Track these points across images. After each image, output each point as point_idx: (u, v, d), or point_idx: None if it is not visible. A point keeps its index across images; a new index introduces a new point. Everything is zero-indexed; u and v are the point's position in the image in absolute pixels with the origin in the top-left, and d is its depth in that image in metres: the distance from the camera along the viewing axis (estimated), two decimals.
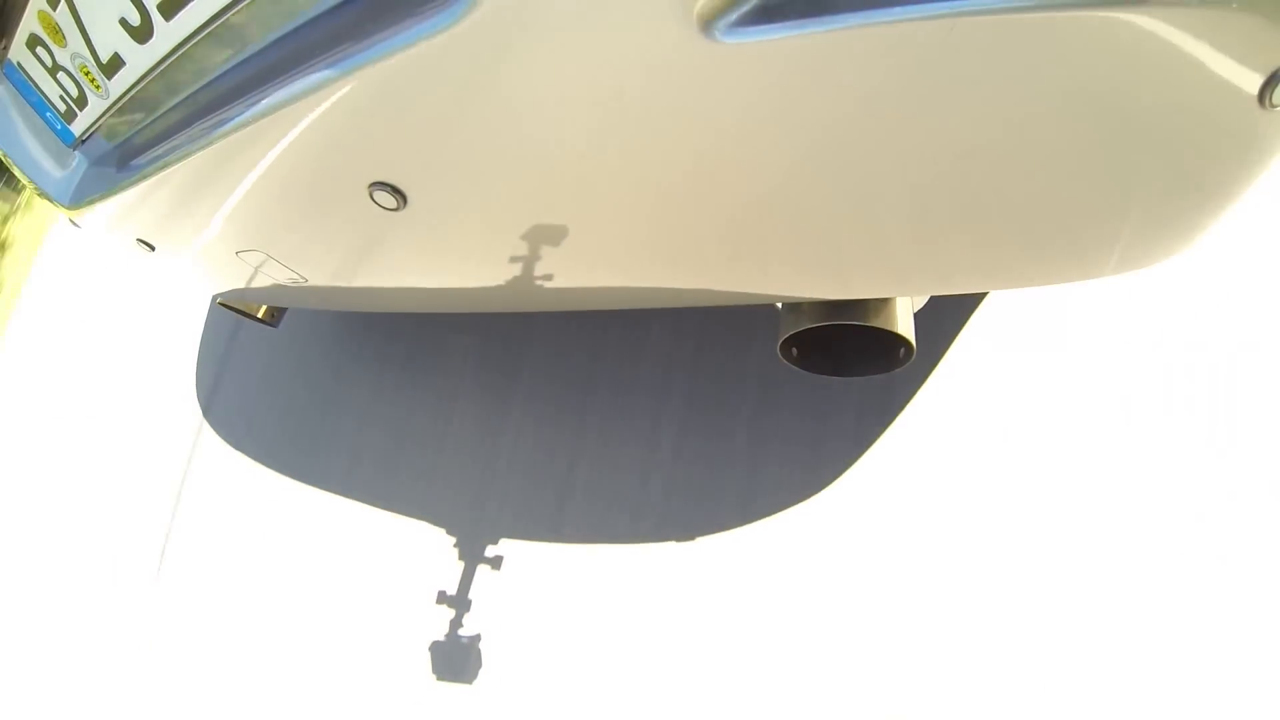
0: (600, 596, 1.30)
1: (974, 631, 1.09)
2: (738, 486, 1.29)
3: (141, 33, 0.66)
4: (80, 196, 0.91)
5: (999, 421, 1.18)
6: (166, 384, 1.93)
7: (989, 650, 1.07)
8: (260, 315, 1.42)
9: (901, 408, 1.24)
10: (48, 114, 0.86)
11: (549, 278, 0.76)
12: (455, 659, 1.34)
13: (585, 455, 1.42)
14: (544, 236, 0.68)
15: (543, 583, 1.35)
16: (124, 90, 0.73)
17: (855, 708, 1.11)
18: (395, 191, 0.64)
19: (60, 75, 0.78)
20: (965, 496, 1.16)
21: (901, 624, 1.13)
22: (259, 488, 1.68)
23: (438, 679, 1.35)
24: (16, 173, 0.95)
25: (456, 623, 1.35)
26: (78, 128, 0.84)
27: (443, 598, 1.36)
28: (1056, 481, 1.12)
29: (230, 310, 1.37)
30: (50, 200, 0.94)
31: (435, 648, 1.35)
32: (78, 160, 0.91)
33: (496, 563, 1.38)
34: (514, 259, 0.73)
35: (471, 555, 1.40)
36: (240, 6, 0.60)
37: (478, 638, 1.34)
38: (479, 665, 1.33)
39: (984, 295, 1.24)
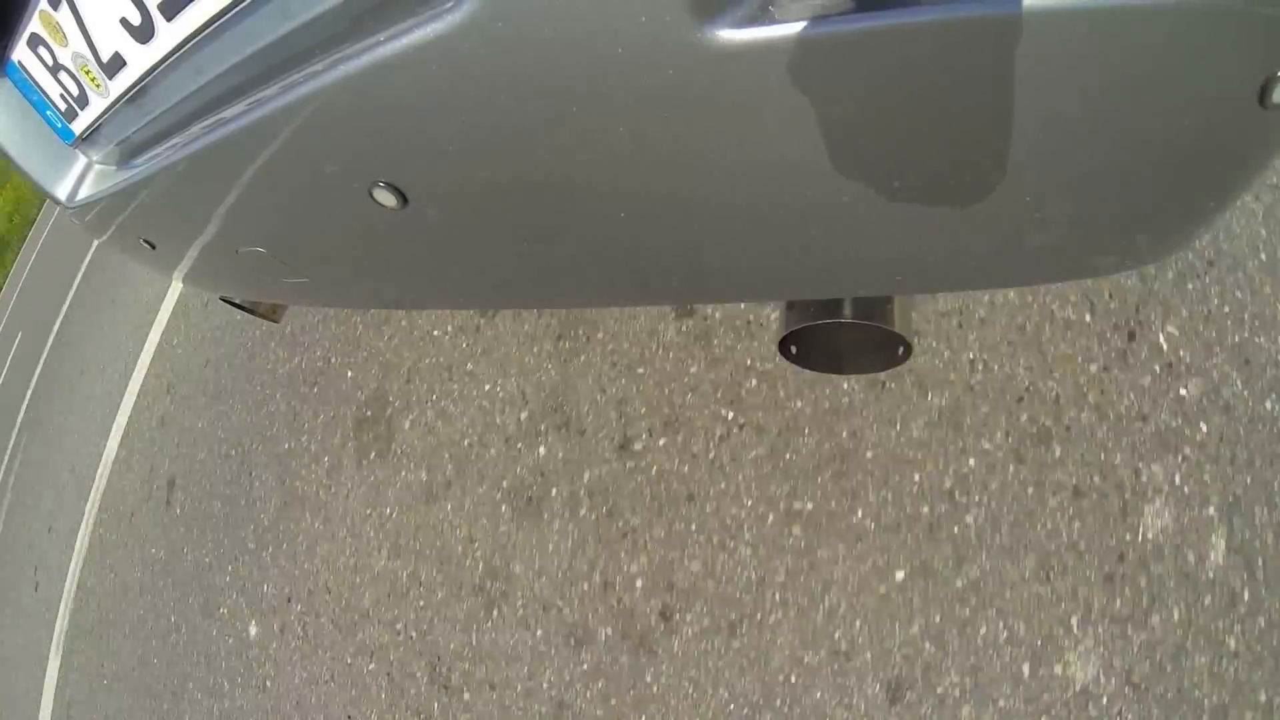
0: None
1: None
2: None
3: (142, 32, 0.66)
4: (81, 195, 0.91)
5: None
6: None
7: None
8: (262, 310, 1.42)
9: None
10: (48, 113, 0.86)
11: (548, 276, 0.76)
12: None
13: None
14: (544, 235, 0.68)
15: None
16: (125, 89, 0.73)
17: None
18: (395, 191, 0.64)
19: (61, 74, 0.79)
20: None
21: None
22: None
23: None
24: (18, 171, 0.96)
25: None
26: (78, 126, 0.84)
27: None
28: None
29: (232, 305, 1.38)
30: (52, 199, 0.94)
31: None
32: (79, 159, 0.91)
33: None
34: (513, 257, 0.73)
35: None
36: (241, 6, 0.60)
37: None
38: None
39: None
